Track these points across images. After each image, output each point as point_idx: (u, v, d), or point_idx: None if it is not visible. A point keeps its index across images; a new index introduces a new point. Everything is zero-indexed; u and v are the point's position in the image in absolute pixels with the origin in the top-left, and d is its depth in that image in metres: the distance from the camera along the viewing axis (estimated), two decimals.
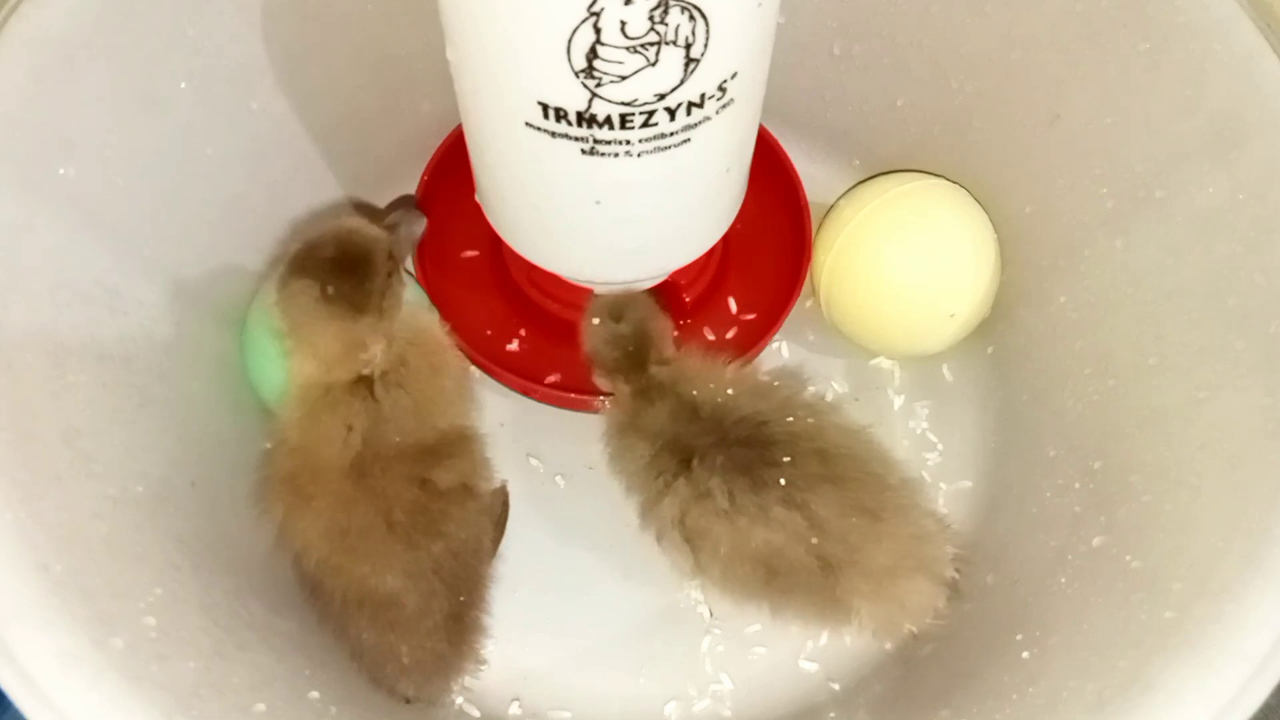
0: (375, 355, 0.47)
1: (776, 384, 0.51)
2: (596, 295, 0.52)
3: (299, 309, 0.46)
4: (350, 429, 0.46)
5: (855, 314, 0.58)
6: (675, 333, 0.53)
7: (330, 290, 0.45)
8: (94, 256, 0.46)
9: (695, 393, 0.49)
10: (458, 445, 0.49)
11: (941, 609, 0.48)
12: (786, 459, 0.46)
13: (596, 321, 0.51)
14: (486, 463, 0.51)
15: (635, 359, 0.50)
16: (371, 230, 0.48)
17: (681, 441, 0.48)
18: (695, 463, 0.47)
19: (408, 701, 0.49)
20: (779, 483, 0.46)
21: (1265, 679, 0.37)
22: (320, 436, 0.46)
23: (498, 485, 0.55)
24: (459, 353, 0.50)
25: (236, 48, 0.51)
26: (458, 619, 0.48)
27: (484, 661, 0.51)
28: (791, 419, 0.48)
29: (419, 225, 0.53)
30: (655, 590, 0.55)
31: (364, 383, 0.47)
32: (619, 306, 0.51)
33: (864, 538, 0.46)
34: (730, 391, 0.49)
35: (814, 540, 0.46)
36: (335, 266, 0.46)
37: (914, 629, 0.48)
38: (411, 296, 0.56)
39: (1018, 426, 0.57)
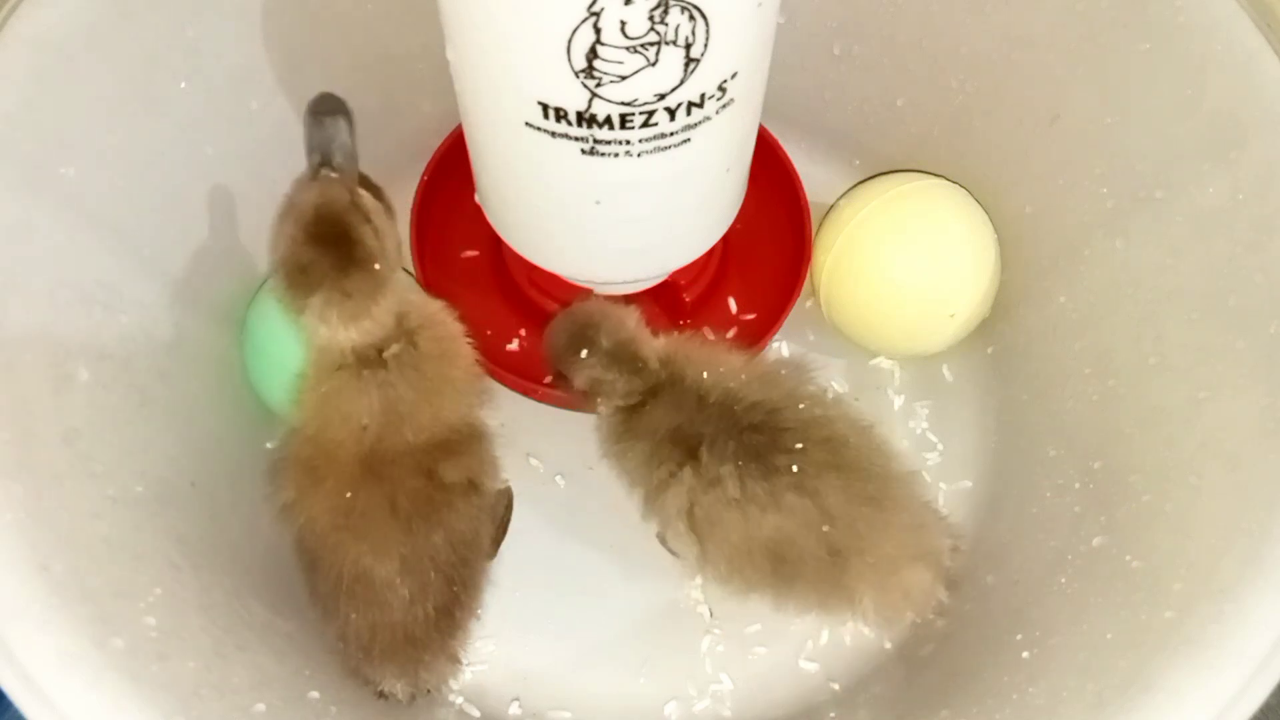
0: (391, 307, 0.46)
1: (784, 372, 0.50)
2: (551, 337, 0.51)
3: (330, 316, 0.45)
4: (365, 428, 0.46)
5: (855, 314, 0.58)
6: (640, 314, 0.51)
7: (348, 286, 0.44)
8: (94, 256, 0.46)
9: (705, 376, 0.48)
10: (467, 442, 0.49)
11: (943, 600, 0.48)
12: (799, 445, 0.46)
13: (585, 354, 0.49)
14: (494, 461, 0.51)
15: (634, 367, 0.49)
16: (325, 197, 0.45)
17: (686, 430, 0.47)
18: (704, 451, 0.46)
19: (382, 696, 0.49)
20: (791, 469, 0.46)
21: (1265, 679, 0.37)
22: (336, 432, 0.46)
23: (502, 487, 0.54)
24: (468, 342, 0.50)
25: (236, 47, 0.51)
26: (448, 614, 0.48)
27: (464, 664, 0.51)
28: (802, 406, 0.48)
29: (339, 132, 0.46)
30: (655, 590, 0.55)
31: (377, 366, 0.46)
32: (581, 334, 0.49)
33: (870, 526, 0.46)
34: (744, 377, 0.48)
35: (825, 529, 0.45)
36: (339, 266, 0.44)
37: (916, 618, 0.48)
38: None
39: (1018, 426, 0.57)
